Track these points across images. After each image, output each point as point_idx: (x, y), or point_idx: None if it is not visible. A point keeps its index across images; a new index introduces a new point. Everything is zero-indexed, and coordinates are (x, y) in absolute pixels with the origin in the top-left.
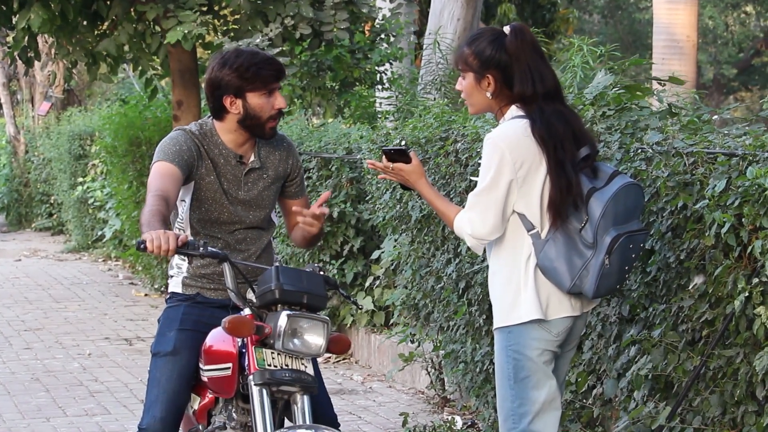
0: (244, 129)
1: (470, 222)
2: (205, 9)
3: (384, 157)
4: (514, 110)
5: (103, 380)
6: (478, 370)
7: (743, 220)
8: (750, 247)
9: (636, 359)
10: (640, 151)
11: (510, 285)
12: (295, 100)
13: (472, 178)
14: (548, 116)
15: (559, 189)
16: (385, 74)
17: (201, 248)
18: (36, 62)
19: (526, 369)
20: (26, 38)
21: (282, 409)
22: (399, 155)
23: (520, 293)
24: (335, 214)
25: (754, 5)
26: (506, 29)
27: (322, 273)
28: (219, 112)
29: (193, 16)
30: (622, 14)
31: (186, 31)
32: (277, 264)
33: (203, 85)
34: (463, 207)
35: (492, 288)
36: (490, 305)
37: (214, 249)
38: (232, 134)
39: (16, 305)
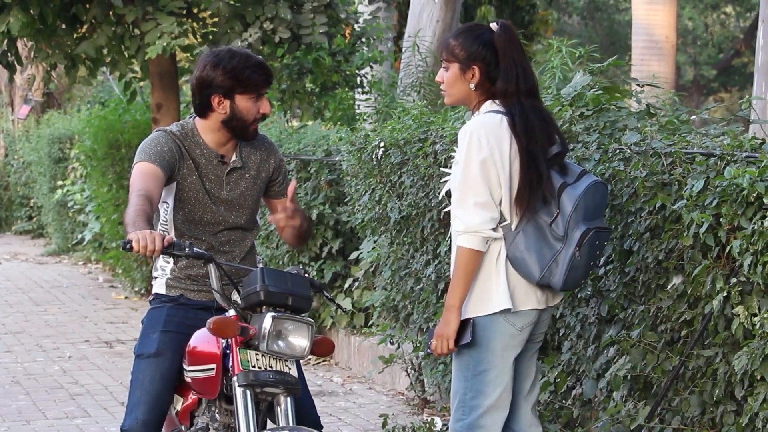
0: (227, 129)
1: (462, 218)
2: (184, 12)
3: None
4: (489, 105)
5: (84, 383)
6: None
7: (721, 219)
8: (728, 247)
9: (615, 360)
10: (618, 151)
11: (480, 277)
12: (275, 103)
13: (444, 170)
14: (526, 111)
15: (529, 180)
16: (365, 78)
17: (187, 249)
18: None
19: (486, 362)
20: (6, 43)
21: (265, 411)
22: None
23: (492, 285)
24: (314, 216)
25: (733, 6)
26: (493, 26)
27: (306, 275)
28: (204, 111)
29: (171, 19)
30: (602, 15)
31: (165, 44)
32: (261, 265)
33: (191, 82)
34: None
35: None
36: None
37: (199, 250)
38: (215, 134)
39: None
